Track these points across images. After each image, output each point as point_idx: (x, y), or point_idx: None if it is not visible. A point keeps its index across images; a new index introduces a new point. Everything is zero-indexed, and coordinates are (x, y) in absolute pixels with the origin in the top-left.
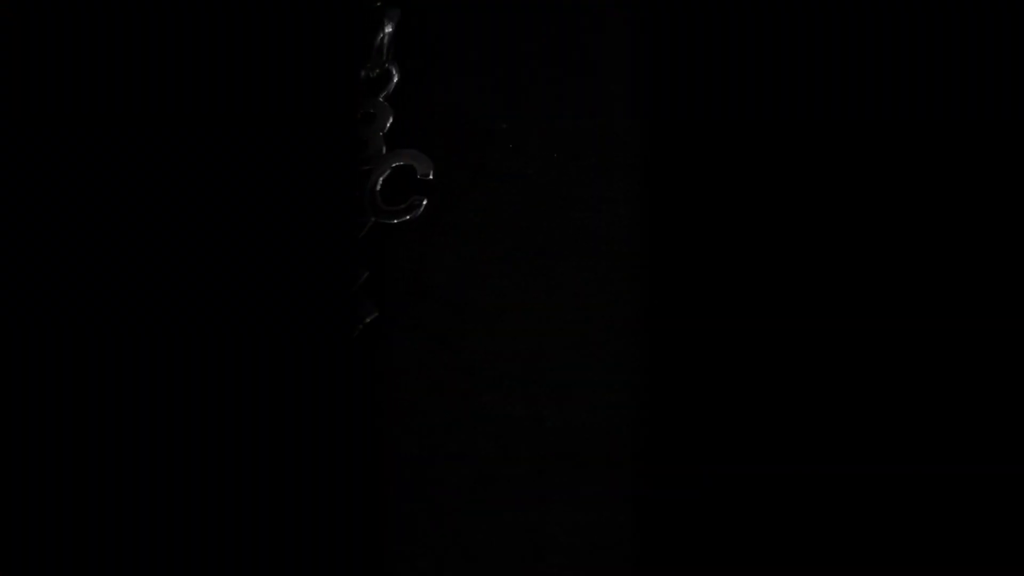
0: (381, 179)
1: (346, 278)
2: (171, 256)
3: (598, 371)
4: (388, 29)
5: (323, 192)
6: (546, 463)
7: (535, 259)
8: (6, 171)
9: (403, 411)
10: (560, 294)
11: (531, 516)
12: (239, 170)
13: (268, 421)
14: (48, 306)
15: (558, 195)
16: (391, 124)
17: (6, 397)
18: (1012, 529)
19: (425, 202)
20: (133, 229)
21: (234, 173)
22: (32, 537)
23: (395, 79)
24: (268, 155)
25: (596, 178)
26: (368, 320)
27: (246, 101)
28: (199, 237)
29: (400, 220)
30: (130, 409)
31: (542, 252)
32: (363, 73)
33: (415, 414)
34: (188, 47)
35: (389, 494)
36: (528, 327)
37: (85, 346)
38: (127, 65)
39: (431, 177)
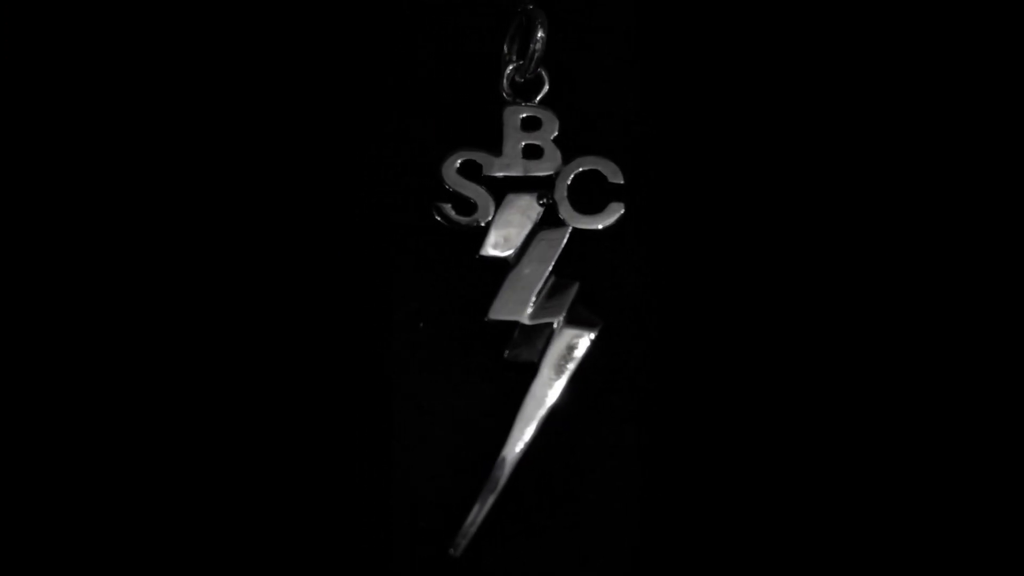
0: (566, 185)
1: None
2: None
3: None
4: (540, 34)
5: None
6: None
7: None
8: (6, 171)
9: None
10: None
11: None
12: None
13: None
14: (48, 306)
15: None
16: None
17: (7, 397)
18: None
19: (623, 208)
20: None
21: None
22: (32, 537)
23: (546, 85)
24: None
25: None
26: (594, 335)
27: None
28: (232, 235)
29: (604, 227)
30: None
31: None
32: (510, 76)
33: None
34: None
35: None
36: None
37: (85, 346)
38: (146, 59)
39: (622, 182)
